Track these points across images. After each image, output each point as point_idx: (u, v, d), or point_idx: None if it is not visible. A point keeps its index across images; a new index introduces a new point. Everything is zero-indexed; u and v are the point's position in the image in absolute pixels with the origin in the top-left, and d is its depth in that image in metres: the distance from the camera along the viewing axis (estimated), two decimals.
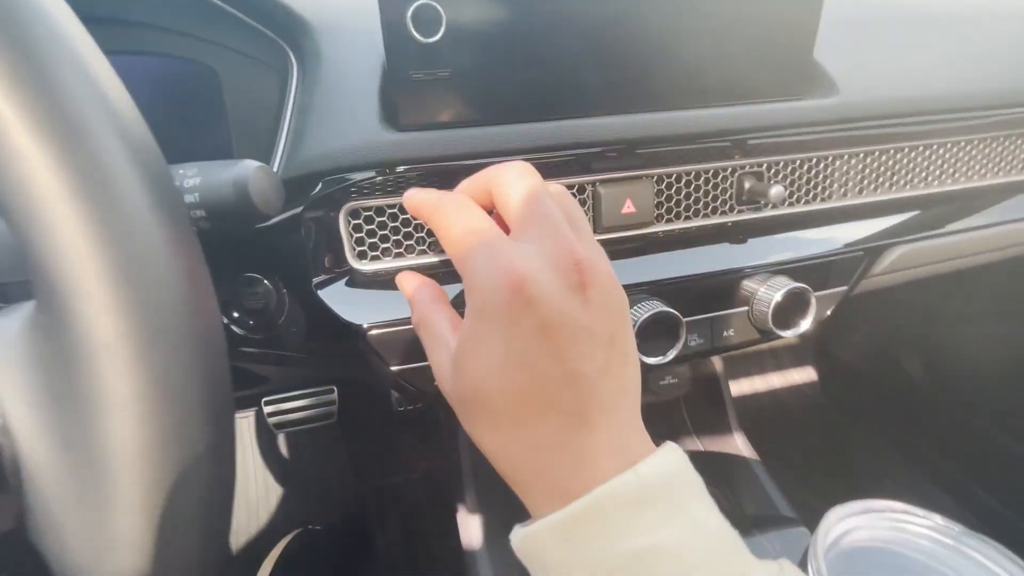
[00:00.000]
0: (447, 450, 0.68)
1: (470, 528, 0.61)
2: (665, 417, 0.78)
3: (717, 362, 0.75)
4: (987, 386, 1.32)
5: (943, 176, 0.63)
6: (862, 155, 0.58)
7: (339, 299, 0.46)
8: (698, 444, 0.75)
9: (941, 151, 0.62)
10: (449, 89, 0.44)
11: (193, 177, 0.31)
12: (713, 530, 0.24)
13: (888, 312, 1.50)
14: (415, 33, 0.40)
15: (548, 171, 0.50)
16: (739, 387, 1.63)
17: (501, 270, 0.24)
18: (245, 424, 1.34)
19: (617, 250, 0.53)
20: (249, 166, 0.32)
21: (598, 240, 0.52)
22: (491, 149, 0.45)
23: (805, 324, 0.53)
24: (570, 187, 0.50)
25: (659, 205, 0.53)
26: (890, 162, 0.60)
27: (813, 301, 0.53)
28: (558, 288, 0.24)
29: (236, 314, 0.48)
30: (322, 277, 0.46)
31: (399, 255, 0.48)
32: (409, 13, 0.40)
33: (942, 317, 1.39)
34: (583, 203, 0.51)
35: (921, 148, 0.61)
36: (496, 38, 0.43)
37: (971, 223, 0.64)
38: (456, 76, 0.43)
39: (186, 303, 0.21)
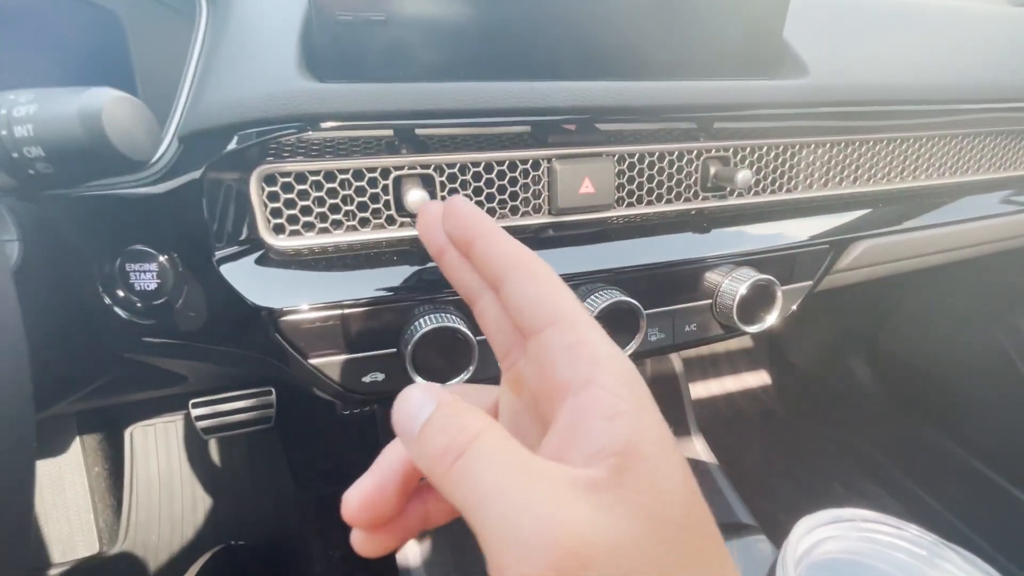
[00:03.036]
0: None
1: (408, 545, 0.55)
2: None
3: (677, 362, 0.71)
4: (931, 391, 1.35)
5: (905, 173, 0.62)
6: (828, 146, 0.56)
7: (247, 279, 0.39)
8: None
9: (904, 147, 0.60)
10: (383, 36, 0.38)
11: (26, 104, 0.24)
12: None
13: (838, 317, 1.53)
14: None
15: (498, 143, 0.45)
16: (695, 390, 1.63)
17: None
18: (172, 429, 1.22)
19: (573, 235, 0.48)
20: (103, 94, 0.25)
21: (551, 222, 0.47)
22: (431, 108, 0.40)
23: (771, 319, 0.50)
24: (523, 162, 0.45)
25: (620, 187, 0.48)
26: (855, 155, 0.58)
27: (779, 295, 0.50)
28: None
29: (121, 293, 0.40)
30: (226, 251, 0.39)
31: (324, 231, 0.42)
32: None
33: (889, 322, 1.42)
34: (537, 181, 0.46)
35: (885, 142, 0.59)
36: None
37: (930, 220, 0.63)
38: (392, 21, 0.37)
39: None
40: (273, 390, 1.17)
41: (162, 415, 1.22)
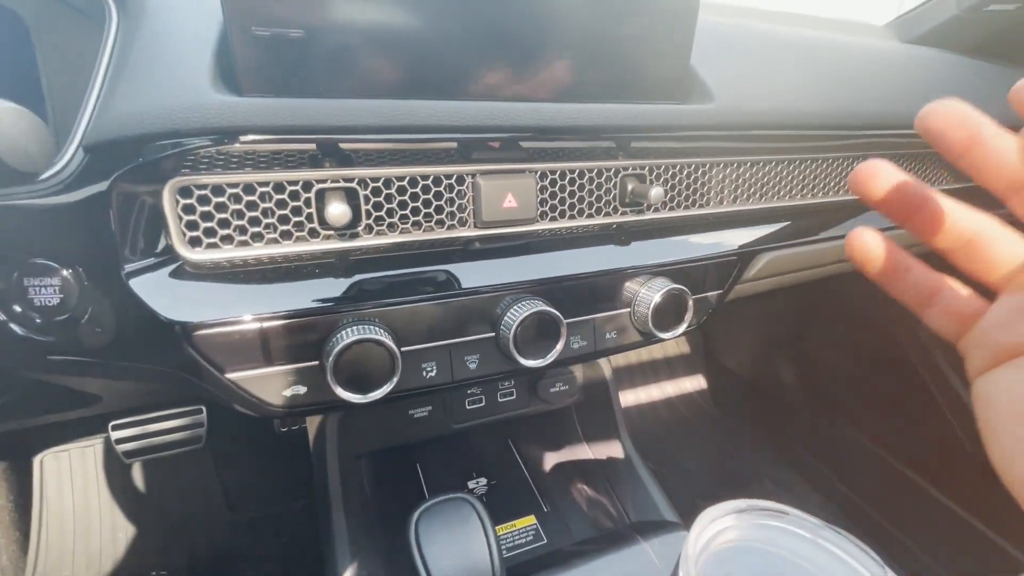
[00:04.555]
0: (317, 478, 0.60)
1: (340, 562, 0.54)
2: (557, 425, 0.76)
3: (607, 370, 0.75)
4: (844, 390, 1.47)
5: (805, 191, 0.68)
6: (736, 165, 0.61)
7: (159, 292, 0.38)
8: (588, 452, 0.73)
9: (803, 167, 0.66)
10: (301, 51, 0.38)
11: None
12: None
13: (766, 323, 1.63)
14: None
15: (423, 159, 0.46)
16: (636, 395, 1.68)
17: None
18: (90, 454, 1.14)
19: (498, 248, 0.50)
20: None
21: (478, 234, 0.49)
22: (352, 124, 0.40)
23: (683, 326, 0.53)
24: (448, 177, 0.46)
25: (543, 202, 0.51)
26: (760, 174, 0.63)
27: (691, 303, 0.53)
28: None
29: (18, 309, 0.38)
30: (136, 265, 0.38)
31: (243, 243, 0.41)
32: None
33: (808, 328, 1.53)
34: (461, 195, 0.47)
35: (786, 163, 0.65)
36: (358, 9, 0.38)
37: (830, 234, 0.70)
38: (312, 38, 0.38)
39: None
40: (204, 408, 1.12)
41: (78, 440, 1.14)
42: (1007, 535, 1.05)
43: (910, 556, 1.20)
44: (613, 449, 0.72)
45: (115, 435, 1.07)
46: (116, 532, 1.15)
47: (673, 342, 1.81)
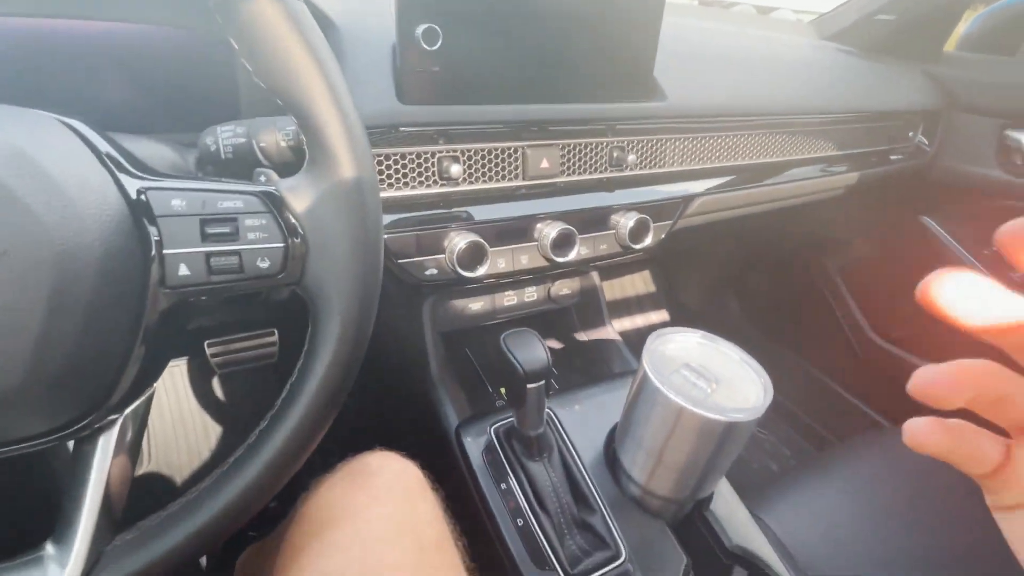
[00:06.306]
0: (417, 343, 0.92)
1: (450, 412, 0.87)
2: (561, 320, 1.10)
3: (597, 281, 1.08)
4: (777, 318, 1.86)
5: (731, 155, 1.01)
6: (684, 139, 0.93)
7: None
8: (583, 336, 1.08)
9: (729, 139, 1.00)
10: (439, 80, 0.68)
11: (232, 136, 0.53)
12: None
13: (715, 265, 2.01)
14: (423, 44, 0.64)
15: (494, 137, 0.77)
16: (613, 329, 2.05)
17: None
18: (178, 372, 1.43)
19: (538, 192, 0.82)
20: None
21: (525, 184, 0.80)
22: (464, 120, 0.71)
23: (647, 240, 0.87)
24: (506, 149, 0.77)
25: (563, 163, 0.82)
26: (701, 144, 0.96)
27: (652, 227, 0.87)
28: None
29: None
30: None
31: (398, 188, 0.72)
32: (419, 31, 0.64)
33: (748, 266, 1.91)
34: (515, 160, 0.79)
35: (718, 136, 0.98)
36: (471, 53, 0.68)
37: (747, 185, 1.04)
38: (444, 72, 0.68)
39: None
40: (276, 331, 1.41)
41: (174, 359, 1.42)
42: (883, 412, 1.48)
43: (812, 431, 1.62)
44: (601, 334, 1.07)
45: (210, 351, 1.36)
46: (207, 429, 1.46)
47: (642, 283, 2.17)
